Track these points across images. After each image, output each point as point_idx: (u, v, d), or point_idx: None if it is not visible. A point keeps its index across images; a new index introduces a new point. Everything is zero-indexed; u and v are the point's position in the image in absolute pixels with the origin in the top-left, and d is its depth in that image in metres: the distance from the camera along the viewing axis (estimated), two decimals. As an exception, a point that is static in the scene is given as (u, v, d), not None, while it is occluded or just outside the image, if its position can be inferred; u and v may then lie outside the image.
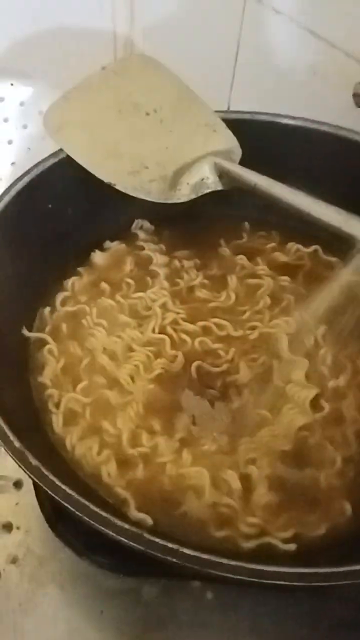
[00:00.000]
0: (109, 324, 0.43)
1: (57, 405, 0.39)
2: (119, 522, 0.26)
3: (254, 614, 0.39)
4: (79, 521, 0.27)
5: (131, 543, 0.25)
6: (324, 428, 0.37)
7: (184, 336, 0.42)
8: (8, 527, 0.42)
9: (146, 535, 0.25)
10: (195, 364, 0.40)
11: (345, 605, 0.39)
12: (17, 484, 0.44)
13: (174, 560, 0.25)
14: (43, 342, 0.42)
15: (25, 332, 0.42)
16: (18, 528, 0.42)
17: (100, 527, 0.25)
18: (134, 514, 0.33)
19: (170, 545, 0.25)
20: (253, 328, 0.42)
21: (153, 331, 0.42)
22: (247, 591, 0.39)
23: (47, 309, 0.44)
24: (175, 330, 0.42)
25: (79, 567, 0.40)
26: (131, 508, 0.34)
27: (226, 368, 0.40)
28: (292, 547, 0.32)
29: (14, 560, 0.41)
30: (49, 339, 0.42)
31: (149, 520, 0.33)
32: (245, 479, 0.35)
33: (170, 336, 0.42)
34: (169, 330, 0.42)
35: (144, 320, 0.43)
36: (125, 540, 0.25)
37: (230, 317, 0.43)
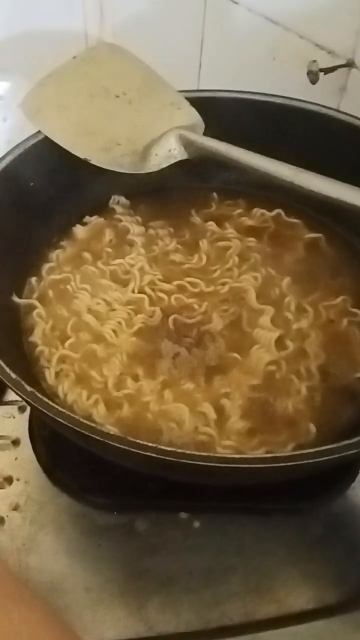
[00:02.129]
0: (92, 288, 0.46)
1: (49, 360, 0.43)
2: (104, 429, 0.30)
3: (238, 537, 0.43)
4: (72, 438, 0.31)
5: (116, 444, 0.29)
6: (289, 364, 0.41)
7: (160, 294, 0.46)
8: (9, 479, 0.46)
9: (130, 438, 0.29)
10: (172, 317, 0.44)
11: (318, 524, 0.43)
12: (16, 442, 0.48)
13: (153, 454, 0.28)
14: (32, 307, 0.46)
15: (15, 298, 0.46)
16: (18, 480, 0.46)
17: (89, 433, 0.29)
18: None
19: (149, 444, 0.29)
20: (224, 284, 0.46)
21: (133, 291, 0.46)
22: (231, 518, 0.43)
23: (34, 279, 0.48)
24: (152, 289, 0.46)
25: (76, 509, 0.44)
26: (118, 440, 0.38)
27: (200, 319, 0.44)
28: (263, 463, 0.36)
29: (16, 507, 0.45)
30: (37, 303, 0.46)
31: (135, 450, 0.37)
32: (220, 410, 0.39)
33: (148, 295, 0.46)
34: (147, 290, 0.46)
35: (123, 283, 0.47)
36: (111, 443, 0.29)
37: (202, 276, 0.47)
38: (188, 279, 0.47)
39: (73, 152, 0.46)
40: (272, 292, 0.46)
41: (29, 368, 0.42)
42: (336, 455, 0.28)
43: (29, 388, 0.31)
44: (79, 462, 0.45)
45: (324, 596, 0.40)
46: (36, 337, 0.44)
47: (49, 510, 0.44)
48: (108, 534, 0.43)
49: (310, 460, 0.28)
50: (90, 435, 0.29)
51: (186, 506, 0.43)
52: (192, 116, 0.48)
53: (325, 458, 0.28)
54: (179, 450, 0.29)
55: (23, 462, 0.47)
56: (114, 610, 0.40)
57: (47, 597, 0.40)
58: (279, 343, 0.42)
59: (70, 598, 0.41)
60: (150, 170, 0.46)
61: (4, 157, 0.46)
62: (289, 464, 0.28)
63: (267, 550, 0.42)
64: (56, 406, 0.31)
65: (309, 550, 0.42)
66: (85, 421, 0.30)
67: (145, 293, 0.46)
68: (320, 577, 0.41)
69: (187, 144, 0.46)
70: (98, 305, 0.45)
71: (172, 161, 0.46)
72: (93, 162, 0.46)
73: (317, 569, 0.41)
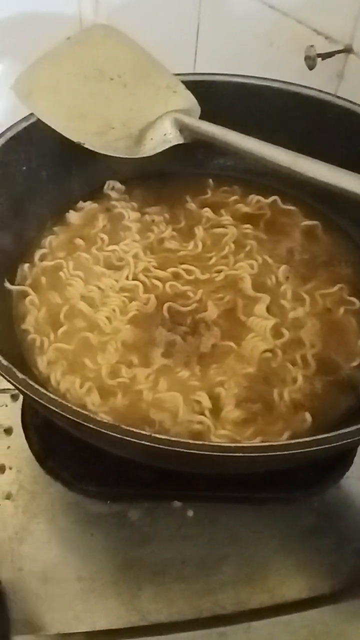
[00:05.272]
0: (85, 275, 0.46)
1: (41, 348, 0.42)
2: (97, 417, 0.29)
3: (231, 526, 0.42)
4: (64, 426, 0.30)
5: (110, 432, 0.28)
6: (285, 352, 0.41)
7: (155, 281, 0.45)
8: (1, 468, 0.46)
9: (123, 426, 0.29)
10: (166, 304, 0.43)
11: (311, 514, 0.43)
12: (8, 431, 0.48)
13: (147, 443, 0.28)
14: (24, 294, 0.45)
15: (7, 285, 0.45)
16: (10, 468, 0.46)
17: (81, 421, 0.28)
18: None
19: (143, 432, 0.28)
20: (219, 271, 0.46)
21: (127, 278, 0.45)
22: (225, 507, 0.43)
23: (27, 265, 0.47)
24: (147, 276, 0.45)
25: (68, 498, 0.44)
26: (112, 429, 0.37)
27: (195, 307, 0.43)
28: (258, 452, 0.36)
29: (8, 496, 0.44)
30: (29, 290, 0.45)
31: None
32: (215, 399, 0.39)
33: (142, 282, 0.45)
34: (142, 277, 0.45)
35: (117, 270, 0.46)
36: (104, 431, 0.28)
37: (198, 263, 0.47)
38: (183, 266, 0.46)
39: (66, 136, 0.45)
40: (268, 280, 0.45)
41: (21, 355, 0.42)
42: (333, 444, 0.28)
43: (20, 375, 0.31)
44: (71, 451, 0.44)
45: (316, 586, 0.40)
46: (28, 324, 0.43)
47: (41, 499, 0.44)
48: (101, 523, 0.42)
49: (307, 449, 0.28)
50: (83, 423, 0.28)
51: (180, 495, 0.43)
52: (188, 100, 0.47)
53: (321, 447, 0.28)
54: (172, 439, 0.28)
55: (15, 450, 0.46)
56: (106, 599, 0.40)
57: (40, 587, 0.40)
58: (275, 331, 0.42)
59: (62, 587, 0.40)
60: (145, 155, 0.45)
61: (-6, 140, 0.45)
62: (284, 452, 0.28)
63: (260, 540, 0.42)
64: (48, 393, 0.30)
65: (302, 540, 0.42)
66: (77, 408, 0.29)
67: (139, 280, 0.45)
68: (313, 566, 0.40)
69: (182, 127, 0.45)
70: (91, 292, 0.45)
71: (168, 145, 0.45)
72: (87, 146, 0.45)
73: (309, 558, 0.41)
